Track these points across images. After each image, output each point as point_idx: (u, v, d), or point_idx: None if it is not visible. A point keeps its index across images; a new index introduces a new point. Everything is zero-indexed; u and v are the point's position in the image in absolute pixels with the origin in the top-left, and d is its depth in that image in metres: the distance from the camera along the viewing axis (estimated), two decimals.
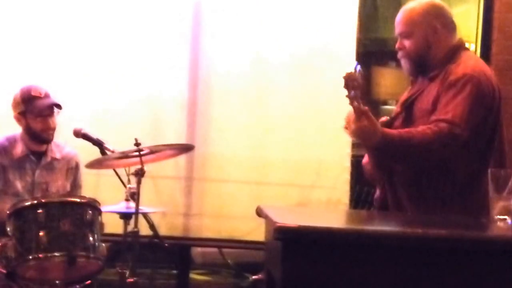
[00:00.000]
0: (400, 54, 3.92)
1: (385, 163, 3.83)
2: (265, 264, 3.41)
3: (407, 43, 3.87)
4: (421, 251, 2.78)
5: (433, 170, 3.69)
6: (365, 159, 4.01)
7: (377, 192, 3.99)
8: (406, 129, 3.68)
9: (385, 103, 8.48)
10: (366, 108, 3.56)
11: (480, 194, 3.62)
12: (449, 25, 3.89)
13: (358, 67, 3.53)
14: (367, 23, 8.02)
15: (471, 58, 3.87)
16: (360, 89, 3.52)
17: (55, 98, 4.89)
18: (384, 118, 3.91)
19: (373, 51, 8.35)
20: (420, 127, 3.63)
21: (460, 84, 3.67)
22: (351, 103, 3.53)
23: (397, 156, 3.69)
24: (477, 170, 3.70)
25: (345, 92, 3.52)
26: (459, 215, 3.58)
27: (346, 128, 3.67)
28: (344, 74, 3.49)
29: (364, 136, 3.64)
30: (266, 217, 3.21)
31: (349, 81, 3.50)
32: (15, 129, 4.94)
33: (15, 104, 4.88)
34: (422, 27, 3.84)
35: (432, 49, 3.84)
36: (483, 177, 3.53)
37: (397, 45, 3.92)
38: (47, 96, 4.86)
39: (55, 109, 4.85)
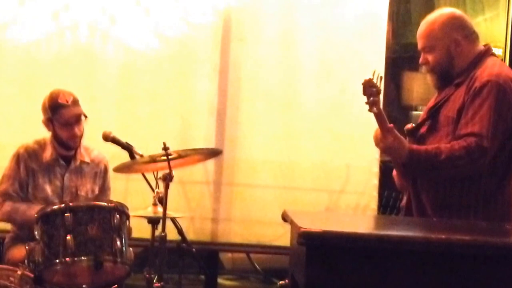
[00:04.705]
0: (424, 69, 3.91)
1: (412, 176, 3.83)
2: (289, 269, 3.41)
3: (430, 57, 3.86)
4: (445, 256, 2.78)
5: (457, 177, 3.68)
6: (395, 171, 4.01)
7: (404, 199, 3.98)
8: (434, 145, 3.68)
9: (416, 109, 8.44)
10: (391, 125, 3.58)
11: (504, 201, 3.60)
12: (470, 36, 3.87)
13: (377, 73, 3.52)
14: (398, 28, 7.99)
15: (496, 64, 3.84)
16: (379, 95, 3.53)
17: (82, 105, 4.84)
18: (409, 125, 3.90)
19: (403, 56, 8.32)
20: (449, 144, 3.63)
21: (485, 92, 3.65)
22: (370, 110, 3.54)
23: (425, 171, 3.69)
24: (501, 177, 3.67)
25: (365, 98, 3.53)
26: (483, 221, 3.56)
27: (376, 144, 3.71)
28: (362, 81, 3.50)
29: (392, 153, 3.67)
30: (291, 221, 3.21)
31: (367, 88, 3.50)
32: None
33: (43, 109, 4.85)
34: (443, 41, 3.83)
35: (455, 61, 3.83)
36: (507, 183, 3.51)
37: (420, 60, 3.91)
38: (74, 103, 4.80)
39: (82, 117, 4.83)
